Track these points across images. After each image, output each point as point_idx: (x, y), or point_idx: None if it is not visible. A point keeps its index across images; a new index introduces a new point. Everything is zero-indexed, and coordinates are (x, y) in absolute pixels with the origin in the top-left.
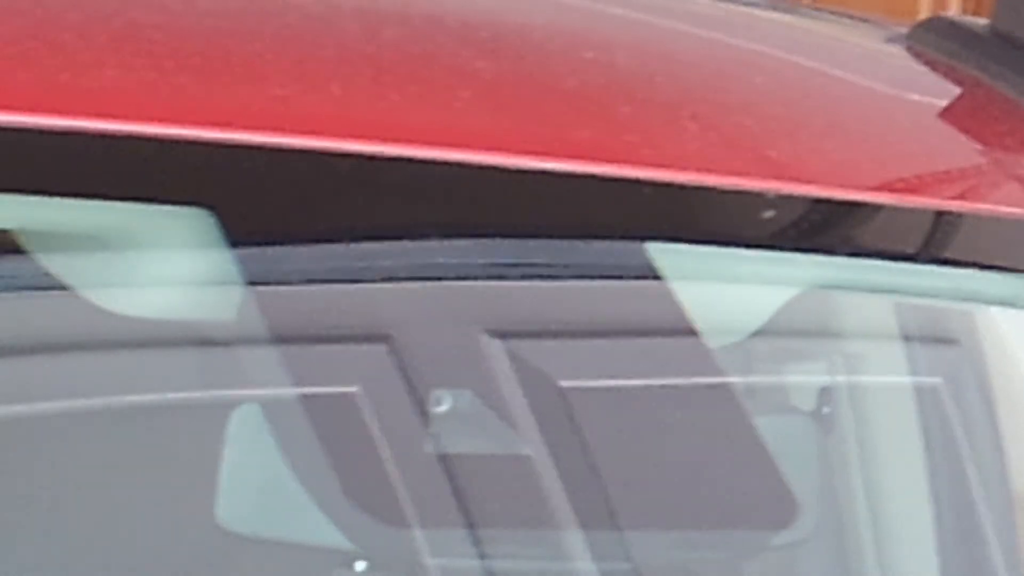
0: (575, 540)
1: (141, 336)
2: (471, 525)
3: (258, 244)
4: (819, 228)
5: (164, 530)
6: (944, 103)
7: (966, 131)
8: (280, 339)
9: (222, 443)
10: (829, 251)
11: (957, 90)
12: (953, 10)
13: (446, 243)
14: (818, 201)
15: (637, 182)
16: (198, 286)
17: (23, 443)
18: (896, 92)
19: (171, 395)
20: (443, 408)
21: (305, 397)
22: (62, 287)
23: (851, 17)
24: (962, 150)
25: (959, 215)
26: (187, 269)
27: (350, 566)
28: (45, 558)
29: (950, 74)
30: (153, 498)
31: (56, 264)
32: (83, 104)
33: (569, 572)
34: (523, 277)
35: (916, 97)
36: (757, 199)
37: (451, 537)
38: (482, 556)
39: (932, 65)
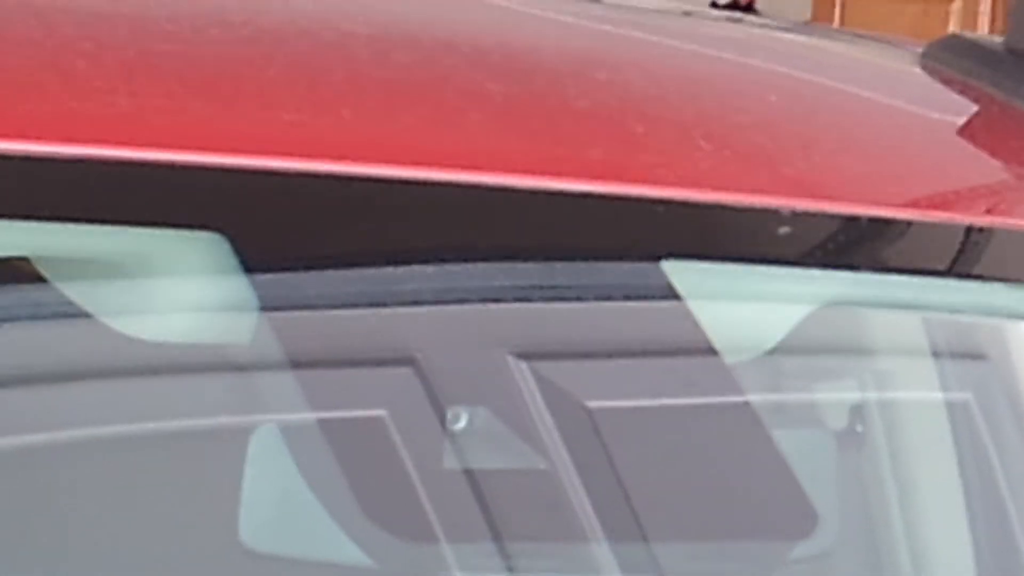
0: (602, 555)
1: (167, 363)
2: (498, 541)
3: (280, 269)
4: (842, 244)
5: (192, 551)
6: (960, 119)
7: (983, 147)
8: (305, 364)
9: (248, 467)
10: (853, 267)
11: (973, 106)
12: (983, 30)
13: (466, 266)
14: (839, 217)
15: (656, 201)
16: (221, 312)
17: (47, 471)
18: (911, 109)
19: (197, 421)
20: (460, 425)
21: (330, 421)
22: (83, 314)
23: (865, 37)
24: (980, 165)
25: (984, 230)
26: (210, 295)
27: None
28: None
29: (965, 91)
30: (180, 521)
31: (76, 291)
32: (94, 131)
33: None
34: (543, 299)
35: (931, 114)
36: (775, 216)
37: (477, 553)
38: (509, 571)
39: (947, 82)
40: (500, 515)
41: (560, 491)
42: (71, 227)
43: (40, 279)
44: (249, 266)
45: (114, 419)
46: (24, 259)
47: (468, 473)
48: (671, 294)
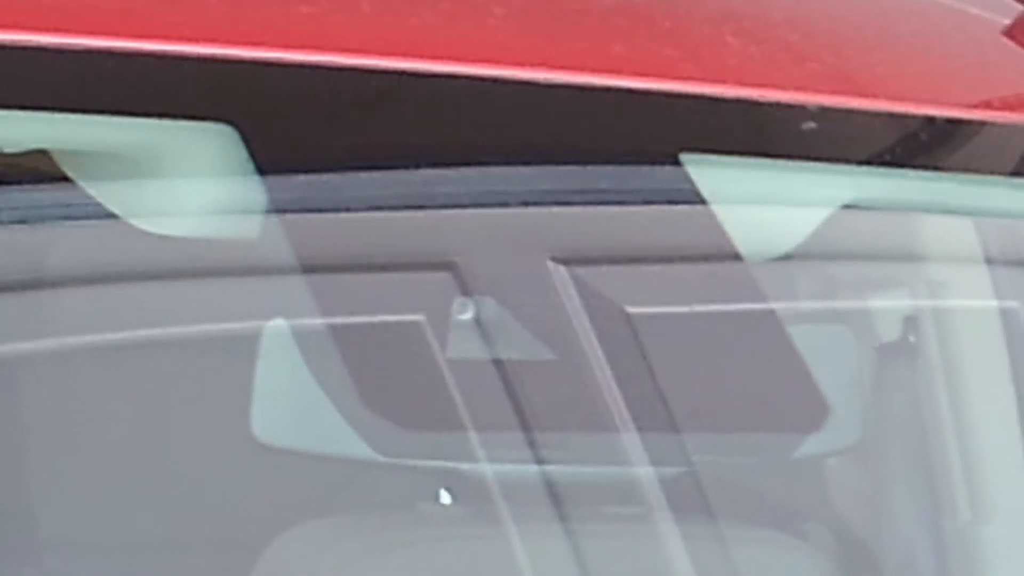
0: (632, 447)
1: (206, 264)
2: (529, 433)
3: (315, 171)
4: (895, 144)
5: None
6: (1003, 21)
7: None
8: (341, 267)
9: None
10: (902, 166)
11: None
12: None
13: (498, 168)
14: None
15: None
16: (259, 213)
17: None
18: (950, 9)
19: (235, 324)
20: (467, 315)
21: (370, 325)
22: (109, 214)
23: None
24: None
25: None
26: (246, 195)
27: (435, 498)
28: (96, 475)
29: None
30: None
31: (105, 189)
32: (110, 23)
33: (629, 475)
34: (570, 203)
35: (973, 14)
36: (819, 114)
37: (513, 444)
38: (540, 462)
39: None
40: (532, 409)
41: (592, 386)
42: (85, 118)
43: (55, 175)
44: (290, 168)
45: (151, 322)
46: (43, 152)
47: (464, 358)
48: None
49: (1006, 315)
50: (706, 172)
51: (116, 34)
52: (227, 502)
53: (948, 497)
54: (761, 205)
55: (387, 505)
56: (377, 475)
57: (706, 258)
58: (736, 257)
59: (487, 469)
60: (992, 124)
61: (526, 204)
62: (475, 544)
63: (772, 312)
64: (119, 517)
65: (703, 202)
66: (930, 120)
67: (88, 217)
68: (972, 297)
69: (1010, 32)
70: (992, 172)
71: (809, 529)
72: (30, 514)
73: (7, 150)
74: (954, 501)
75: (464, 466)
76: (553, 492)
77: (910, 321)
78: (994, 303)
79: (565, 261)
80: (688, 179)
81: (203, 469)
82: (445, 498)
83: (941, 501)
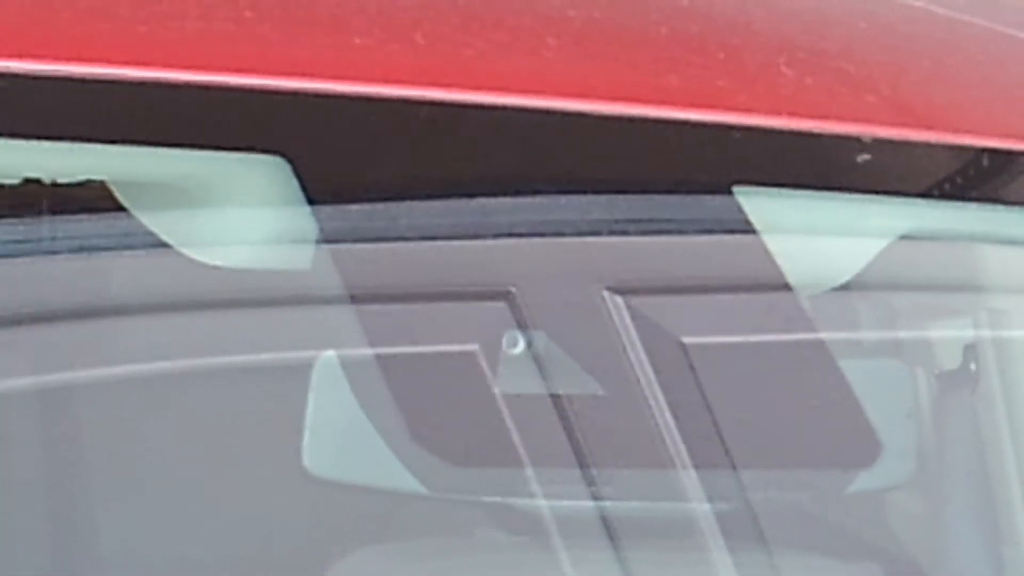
0: (690, 479)
1: (259, 294)
2: (584, 468)
3: (368, 201)
4: (951, 175)
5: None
6: None
7: None
8: (399, 297)
9: (346, 397)
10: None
11: None
12: None
13: (554, 198)
14: (944, 147)
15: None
16: (311, 243)
17: (135, 400)
18: (1008, 35)
19: (290, 354)
20: (518, 349)
21: (425, 355)
22: (163, 244)
23: None
24: None
25: None
26: (303, 225)
27: (498, 532)
28: (151, 502)
29: None
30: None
31: (159, 219)
32: (163, 55)
33: (684, 510)
34: (625, 233)
35: None
36: (879, 146)
37: (561, 478)
38: (595, 498)
39: None
40: (586, 442)
41: (647, 418)
42: (140, 150)
43: (112, 206)
44: (347, 198)
45: (195, 350)
46: (99, 183)
47: (551, 401)
48: (752, 227)
49: None
50: (759, 203)
51: (171, 66)
52: (282, 530)
53: (1009, 526)
54: (814, 236)
55: (443, 533)
56: (431, 507)
57: (761, 288)
58: (790, 288)
59: (542, 504)
60: None
61: (581, 234)
62: (530, 571)
63: (828, 344)
64: (175, 544)
65: (755, 232)
66: (988, 152)
67: (142, 247)
68: None
69: None
70: None
71: (868, 563)
72: (89, 541)
73: (63, 180)
74: (1015, 530)
75: (516, 501)
76: (608, 527)
77: (970, 350)
78: None
79: (620, 291)
80: (740, 210)
81: (257, 498)
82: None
83: (1002, 530)
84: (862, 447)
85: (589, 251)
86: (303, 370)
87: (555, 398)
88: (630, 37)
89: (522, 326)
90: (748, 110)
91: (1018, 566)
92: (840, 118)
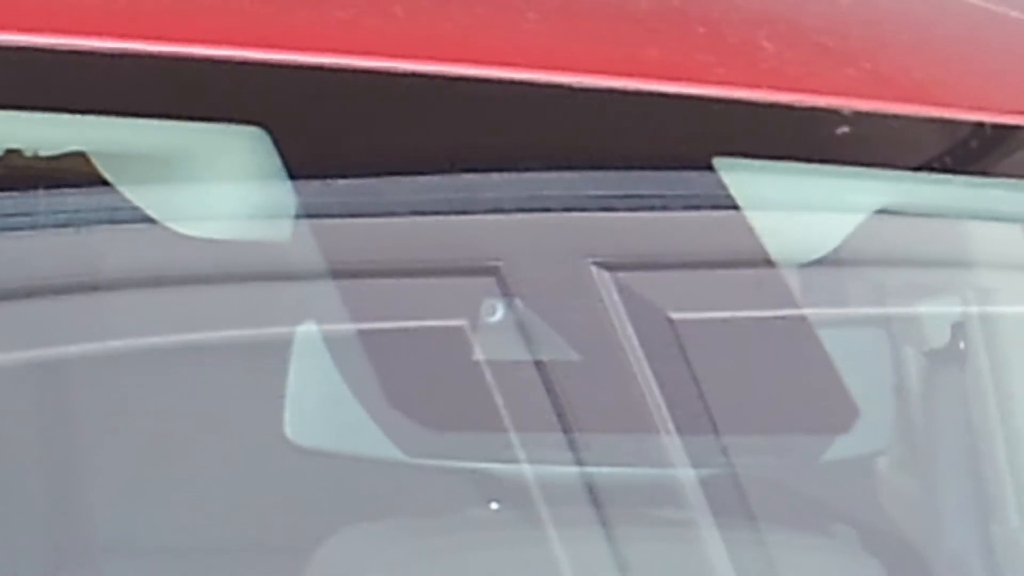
0: (676, 448)
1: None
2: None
3: (350, 175)
4: (931, 149)
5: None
6: None
7: None
8: (390, 272)
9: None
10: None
11: None
12: None
13: (539, 173)
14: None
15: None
16: (297, 216)
17: (115, 375)
18: (988, 10)
19: (279, 328)
20: (495, 318)
21: (416, 329)
22: (145, 217)
23: None
24: None
25: None
26: (284, 197)
27: (485, 506)
28: (133, 475)
29: None
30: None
31: (140, 191)
32: (146, 27)
33: (670, 477)
34: (611, 208)
35: (1013, 17)
36: (858, 120)
37: (545, 444)
38: (579, 463)
39: None
40: (571, 411)
41: (634, 389)
42: (121, 121)
43: (91, 178)
44: (333, 173)
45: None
46: (80, 154)
47: (531, 369)
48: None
49: None
50: (739, 177)
51: (150, 38)
52: (272, 505)
53: (997, 503)
54: (794, 208)
55: (432, 509)
56: (416, 478)
57: (744, 263)
58: (771, 262)
59: (527, 471)
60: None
61: (568, 209)
62: (518, 548)
63: (808, 316)
64: (162, 520)
65: (736, 207)
66: (968, 125)
67: (124, 221)
68: (1020, 303)
69: None
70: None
71: (856, 533)
72: (79, 519)
73: (45, 153)
74: (1003, 507)
75: (499, 468)
76: (593, 494)
77: (958, 327)
78: None
79: (608, 266)
80: (722, 184)
81: (241, 468)
82: (493, 504)
83: (990, 507)
84: (839, 414)
85: (576, 226)
86: (284, 342)
87: (535, 365)
88: (611, 11)
89: (509, 301)
90: (728, 83)
91: (1005, 541)
92: (819, 91)
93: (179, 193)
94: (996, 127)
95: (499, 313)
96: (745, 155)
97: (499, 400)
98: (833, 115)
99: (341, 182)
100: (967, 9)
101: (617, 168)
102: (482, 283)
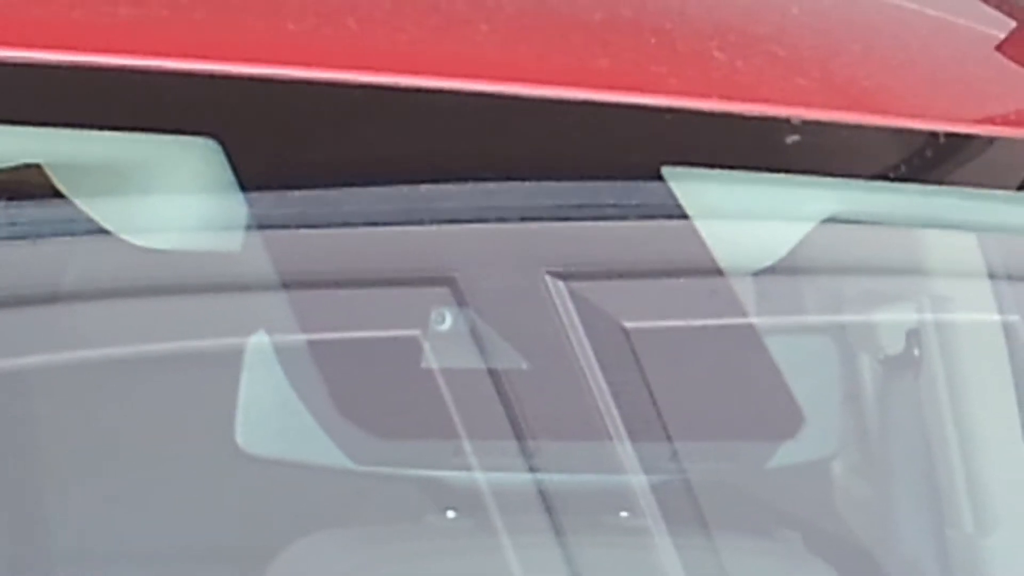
0: (629, 455)
1: (203, 280)
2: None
3: (302, 186)
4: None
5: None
6: (993, 28)
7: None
8: (345, 282)
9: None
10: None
11: (997, 17)
12: None
13: (492, 183)
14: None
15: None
16: (259, 229)
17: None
18: (939, 19)
19: (231, 339)
20: (444, 326)
21: (368, 339)
22: (99, 229)
23: None
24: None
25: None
26: (244, 210)
27: (442, 513)
28: (87, 484)
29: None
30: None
31: (94, 203)
32: (99, 40)
33: (623, 484)
34: (565, 218)
35: (962, 26)
36: (808, 129)
37: (498, 451)
38: (532, 470)
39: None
40: (523, 419)
41: (587, 397)
42: (75, 133)
43: (47, 189)
44: (289, 184)
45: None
46: (35, 166)
47: (484, 376)
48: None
49: (1008, 329)
50: (688, 186)
51: (104, 50)
52: (225, 513)
53: (952, 508)
54: (743, 217)
55: (388, 517)
56: (367, 486)
57: (696, 271)
58: (721, 272)
59: (481, 479)
60: (977, 138)
61: (522, 219)
62: (475, 555)
63: (758, 324)
64: (117, 528)
65: (686, 216)
66: (917, 134)
67: (78, 232)
68: (974, 311)
69: (1001, 47)
70: (982, 185)
71: (808, 538)
72: (34, 527)
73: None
74: (958, 512)
75: (453, 476)
76: (548, 501)
77: (913, 334)
78: (996, 317)
79: (561, 275)
80: (671, 193)
81: (194, 477)
82: (449, 512)
83: (945, 512)
84: (787, 420)
85: (529, 236)
86: (236, 352)
87: (487, 373)
88: (564, 21)
89: (459, 310)
90: (680, 93)
91: (959, 547)
92: (770, 100)
93: (133, 205)
94: (947, 135)
95: (448, 322)
96: (697, 164)
97: (452, 408)
98: (783, 124)
99: (294, 193)
100: (918, 18)
101: (570, 178)
102: (437, 293)
